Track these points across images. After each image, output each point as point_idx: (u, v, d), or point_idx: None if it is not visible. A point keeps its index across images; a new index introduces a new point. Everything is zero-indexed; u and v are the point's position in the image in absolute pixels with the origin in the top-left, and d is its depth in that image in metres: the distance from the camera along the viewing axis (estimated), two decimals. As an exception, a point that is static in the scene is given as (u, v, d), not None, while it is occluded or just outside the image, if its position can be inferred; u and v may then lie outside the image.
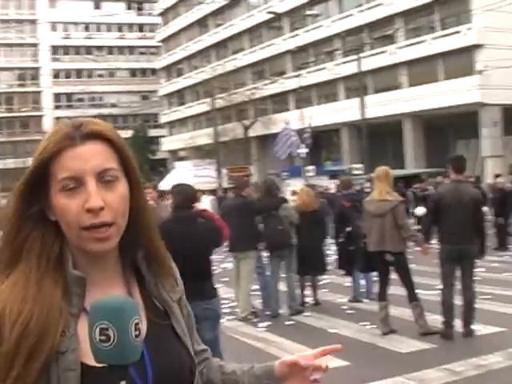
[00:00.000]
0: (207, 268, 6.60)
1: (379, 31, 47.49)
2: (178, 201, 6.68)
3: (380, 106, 44.17)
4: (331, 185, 30.92)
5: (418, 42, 45.28)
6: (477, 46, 41.58)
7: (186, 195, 6.69)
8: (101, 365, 1.34)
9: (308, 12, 47.80)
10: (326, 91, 53.21)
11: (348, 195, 12.30)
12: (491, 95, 40.12)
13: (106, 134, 1.51)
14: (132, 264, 1.61)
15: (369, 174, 32.84)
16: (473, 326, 8.96)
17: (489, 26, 40.35)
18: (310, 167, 39.88)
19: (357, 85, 42.20)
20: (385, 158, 36.18)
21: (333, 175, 42.44)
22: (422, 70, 44.32)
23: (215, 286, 6.72)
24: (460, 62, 42.37)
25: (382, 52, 47.02)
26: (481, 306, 9.56)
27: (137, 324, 1.33)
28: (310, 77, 49.24)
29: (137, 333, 1.33)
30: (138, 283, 1.61)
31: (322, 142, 49.94)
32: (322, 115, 46.92)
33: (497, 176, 21.92)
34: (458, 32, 42.75)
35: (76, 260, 1.51)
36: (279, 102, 57.29)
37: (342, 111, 48.03)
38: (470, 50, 42.15)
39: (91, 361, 1.36)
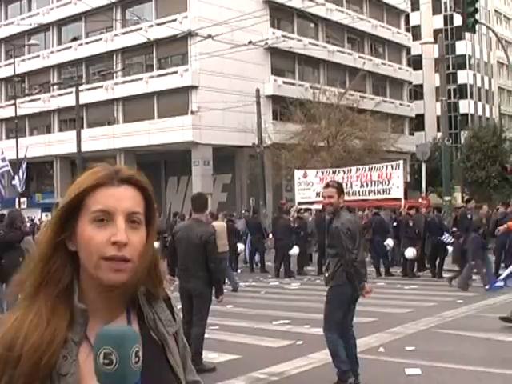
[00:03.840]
0: None
1: (97, 66, 47.40)
2: None
3: (94, 140, 43.91)
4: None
5: (135, 80, 45.76)
6: (192, 87, 42.92)
7: None
8: None
9: (29, 42, 46.68)
10: (39, 122, 52.11)
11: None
12: (203, 135, 41.64)
13: (140, 182, 1.67)
14: (133, 299, 1.70)
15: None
16: (210, 355, 9.09)
17: (203, 68, 41.89)
18: (23, 199, 38.47)
19: (72, 117, 41.54)
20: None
21: (45, 208, 41.28)
22: (138, 108, 44.87)
23: None
24: (176, 101, 43.51)
25: (99, 87, 46.97)
26: (213, 336, 9.87)
27: (137, 351, 1.44)
28: (25, 107, 47.61)
29: (136, 359, 1.44)
30: (137, 317, 1.70)
31: (33, 173, 48.47)
32: (34, 147, 45.43)
33: (213, 214, 22.15)
34: (175, 72, 43.84)
35: (84, 291, 1.62)
36: (-10, 131, 55.27)
37: (56, 143, 47.13)
38: (185, 91, 43.35)
39: None
